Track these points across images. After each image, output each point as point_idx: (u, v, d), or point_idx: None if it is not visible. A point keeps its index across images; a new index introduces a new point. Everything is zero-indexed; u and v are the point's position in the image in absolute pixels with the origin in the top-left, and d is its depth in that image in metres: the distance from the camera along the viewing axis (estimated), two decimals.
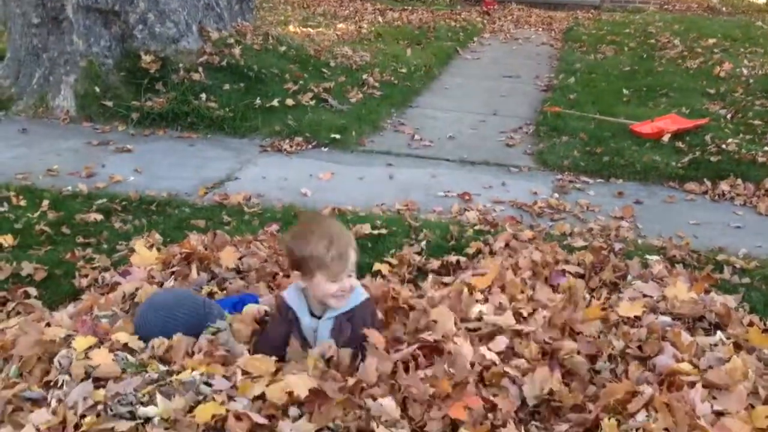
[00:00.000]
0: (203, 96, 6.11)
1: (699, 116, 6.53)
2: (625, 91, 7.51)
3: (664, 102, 7.16)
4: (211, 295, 2.81)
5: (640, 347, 2.41)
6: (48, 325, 2.39)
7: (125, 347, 2.16)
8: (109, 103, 6.00)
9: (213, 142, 5.77)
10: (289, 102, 6.44)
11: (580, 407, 2.13)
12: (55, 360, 2.06)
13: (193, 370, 1.96)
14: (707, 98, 7.30)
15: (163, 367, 2.02)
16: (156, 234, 3.63)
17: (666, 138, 5.85)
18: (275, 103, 6.33)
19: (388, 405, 1.83)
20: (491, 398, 1.96)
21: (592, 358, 2.38)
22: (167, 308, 2.38)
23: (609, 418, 1.93)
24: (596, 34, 10.53)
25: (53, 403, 1.90)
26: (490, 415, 1.89)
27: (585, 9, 12.95)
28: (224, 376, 1.96)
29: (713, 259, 3.77)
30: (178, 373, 1.96)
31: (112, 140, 5.59)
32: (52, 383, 1.99)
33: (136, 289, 2.74)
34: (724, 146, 5.62)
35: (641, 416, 1.92)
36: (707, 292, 2.99)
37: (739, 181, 5.11)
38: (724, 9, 13.40)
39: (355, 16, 11.46)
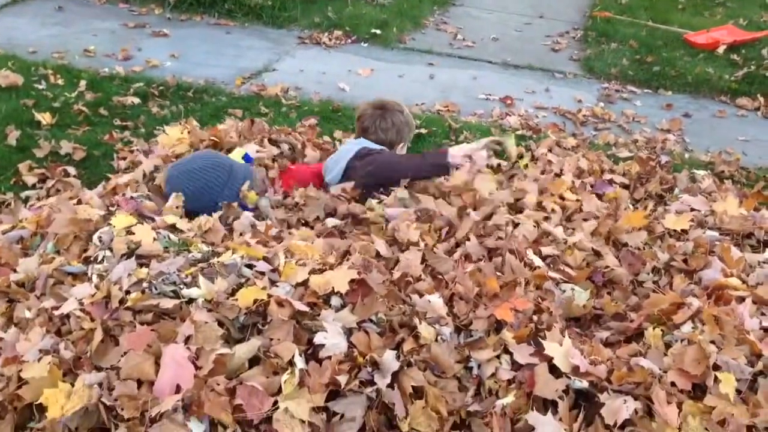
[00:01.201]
0: None
1: (757, 29, 6.22)
2: None
3: (720, 12, 6.83)
4: None
5: (685, 261, 2.35)
6: (80, 202, 2.38)
7: (169, 227, 2.14)
8: None
9: (250, 31, 5.63)
10: None
11: (621, 316, 2.10)
12: (95, 236, 2.05)
13: (234, 251, 1.94)
14: (766, 10, 6.92)
15: (206, 248, 2.01)
16: (193, 120, 3.58)
17: (721, 50, 5.60)
18: None
19: (436, 302, 1.80)
20: (539, 301, 1.93)
21: (636, 269, 2.33)
22: (195, 170, 2.51)
23: (653, 328, 1.89)
24: None
25: (95, 278, 1.91)
26: (534, 317, 1.86)
27: None
28: (266, 259, 1.94)
29: (763, 177, 3.66)
30: (220, 254, 1.95)
31: (149, 23, 5.47)
32: (92, 258, 1.99)
33: (155, 167, 2.72)
34: None
35: (687, 327, 1.88)
36: (757, 209, 2.89)
37: None
38: None
39: None
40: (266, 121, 3.78)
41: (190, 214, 2.32)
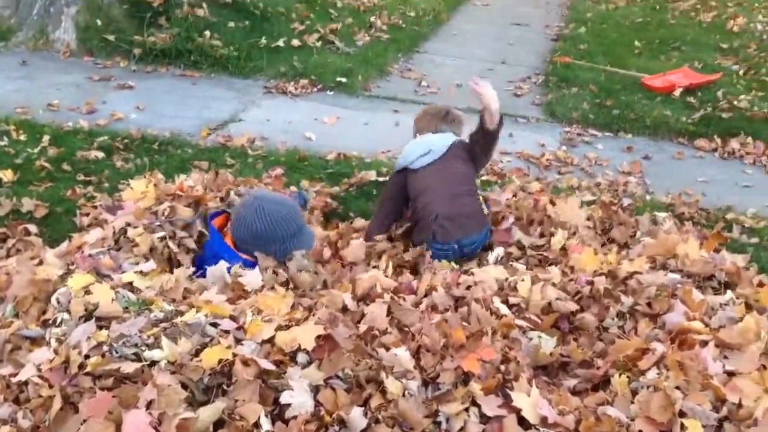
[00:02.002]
0: (207, 33, 5.96)
1: (711, 71, 6.41)
2: (636, 43, 7.35)
3: (676, 55, 7.03)
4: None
5: (649, 304, 2.38)
6: (41, 263, 2.35)
7: (127, 285, 2.12)
8: (111, 37, 5.85)
9: (216, 81, 5.66)
10: (295, 42, 6.29)
11: (588, 363, 2.12)
12: (53, 297, 2.02)
13: (198, 310, 1.92)
14: (720, 53, 7.17)
15: (168, 307, 1.99)
16: (158, 173, 3.56)
17: (677, 93, 5.75)
18: (281, 43, 6.18)
19: (402, 355, 1.80)
20: (506, 350, 1.94)
21: (601, 315, 2.36)
22: (278, 216, 2.52)
23: (619, 375, 1.91)
24: None
25: (53, 343, 1.87)
26: (502, 367, 1.86)
27: None
28: (232, 317, 1.93)
29: (722, 218, 3.74)
30: (183, 313, 1.93)
31: (114, 76, 5.47)
32: (50, 321, 1.96)
33: (126, 224, 2.70)
34: (735, 103, 5.55)
35: (652, 374, 1.90)
36: (717, 250, 2.95)
37: (750, 139, 5.05)
38: None
39: None
40: (232, 172, 3.78)
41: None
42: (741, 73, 6.46)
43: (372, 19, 7.29)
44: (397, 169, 3.18)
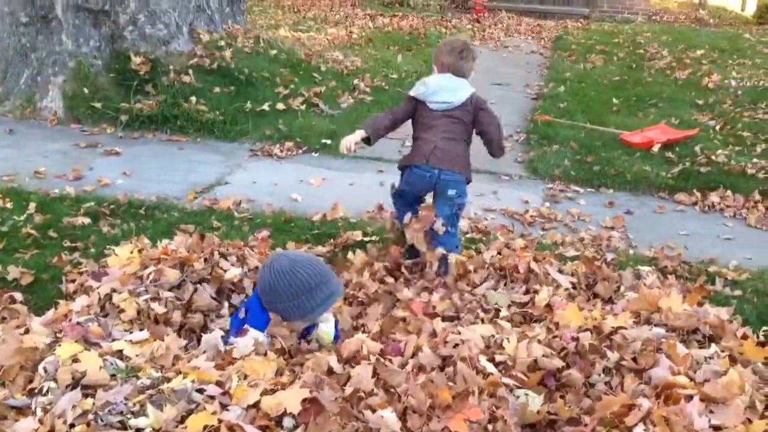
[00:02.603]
0: (193, 99, 6.07)
1: (688, 127, 6.57)
2: (614, 101, 7.53)
3: (653, 112, 7.19)
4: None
5: (635, 359, 2.39)
6: (27, 331, 2.34)
7: (116, 353, 2.11)
8: (98, 105, 5.94)
9: (203, 145, 5.73)
10: (280, 106, 6.41)
11: (575, 420, 2.11)
12: (41, 366, 2.02)
13: (185, 376, 1.92)
14: (696, 109, 7.34)
15: (155, 373, 1.98)
16: (144, 238, 3.57)
17: (656, 148, 5.88)
18: (266, 107, 6.29)
19: (389, 417, 1.80)
20: (493, 409, 1.94)
21: (587, 371, 2.36)
22: (302, 281, 2.49)
23: (606, 431, 1.91)
24: (585, 44, 10.56)
25: (38, 412, 1.86)
26: (489, 426, 1.86)
27: (574, 18, 13.00)
28: (218, 382, 1.93)
29: (705, 271, 3.78)
30: (170, 380, 1.92)
31: (101, 142, 5.53)
32: (36, 390, 1.95)
33: (112, 291, 2.70)
34: (713, 157, 5.66)
35: (639, 429, 1.90)
36: (700, 304, 2.97)
37: (729, 192, 5.14)
38: (711, 21, 13.51)
39: (345, 21, 11.44)
40: (218, 235, 3.80)
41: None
42: (717, 128, 6.62)
43: (355, 81, 7.45)
44: (413, 96, 3.62)
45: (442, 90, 3.55)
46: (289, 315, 2.50)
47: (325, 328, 2.63)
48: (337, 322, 2.73)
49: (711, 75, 8.48)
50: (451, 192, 3.52)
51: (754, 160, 5.69)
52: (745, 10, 15.07)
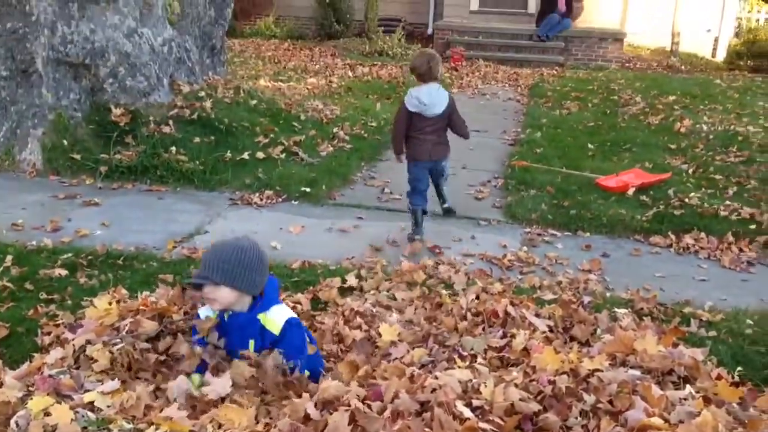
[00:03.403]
0: (173, 149, 6.11)
1: (662, 171, 6.69)
2: (590, 146, 7.67)
3: (627, 157, 7.33)
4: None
5: (611, 402, 2.41)
6: (0, 385, 2.32)
7: (88, 405, 2.10)
8: (77, 157, 5.96)
9: (182, 195, 5.75)
10: (260, 155, 6.46)
11: None
12: (12, 421, 2.00)
13: (157, 427, 1.91)
14: (669, 153, 7.49)
15: (127, 425, 1.97)
16: (122, 289, 3.57)
17: (631, 192, 5.98)
18: (246, 156, 6.35)
19: None
20: None
21: (564, 414, 2.37)
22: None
23: None
24: (561, 91, 10.78)
25: None
26: None
27: (550, 66, 13.28)
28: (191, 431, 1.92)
29: (680, 312, 3.82)
30: (142, 431, 1.91)
31: (79, 194, 5.53)
32: None
33: (87, 342, 2.68)
34: (686, 200, 5.77)
35: None
36: (675, 345, 3.01)
37: (703, 234, 5.22)
38: (682, 67, 13.84)
39: (325, 70, 11.61)
40: None
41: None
42: (690, 171, 6.75)
43: (335, 130, 7.54)
44: (412, 111, 4.98)
45: (433, 105, 4.96)
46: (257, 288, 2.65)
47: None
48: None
49: (683, 120, 8.67)
50: (444, 170, 5.37)
51: (727, 202, 5.80)
52: (716, 56, 15.48)
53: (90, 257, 4.27)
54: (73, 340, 2.73)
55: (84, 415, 1.99)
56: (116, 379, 2.37)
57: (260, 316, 2.65)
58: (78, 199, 5.44)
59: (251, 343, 2.64)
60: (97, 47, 6.15)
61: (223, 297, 2.60)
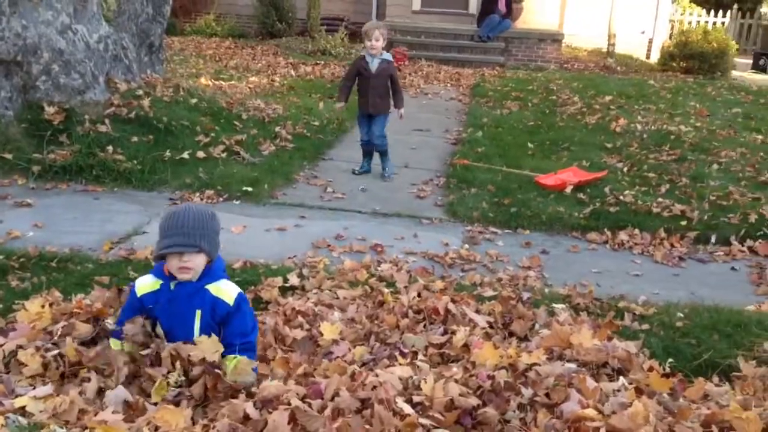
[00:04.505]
0: (110, 148, 5.96)
1: (598, 169, 6.86)
2: (529, 145, 7.81)
3: (566, 155, 7.49)
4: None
5: (548, 395, 2.46)
6: None
7: (19, 410, 2.04)
8: (9, 156, 5.75)
9: (120, 195, 5.62)
10: (200, 154, 6.36)
11: None
12: None
13: (92, 431, 1.87)
14: (605, 152, 7.67)
15: (60, 430, 1.93)
16: (56, 292, 3.47)
17: (568, 190, 6.11)
18: (185, 155, 6.24)
19: None
20: None
21: (503, 408, 2.41)
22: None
23: None
24: (502, 91, 10.95)
25: None
26: None
27: (491, 66, 13.46)
28: None
29: (615, 306, 3.92)
30: None
31: (11, 194, 5.35)
32: None
33: (17, 347, 2.61)
34: (621, 197, 5.93)
35: None
36: (609, 338, 3.10)
37: (637, 230, 5.38)
38: (618, 68, 14.20)
39: (267, 69, 11.52)
40: None
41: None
42: (625, 170, 6.93)
43: (277, 129, 7.48)
44: (355, 64, 6.51)
45: (372, 60, 6.43)
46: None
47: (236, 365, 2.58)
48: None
49: (618, 120, 8.91)
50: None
51: (659, 199, 5.98)
52: (650, 57, 15.94)
53: (22, 259, 4.13)
54: (3, 344, 2.65)
55: (15, 421, 1.93)
56: (48, 383, 2.31)
57: (209, 287, 2.64)
58: (9, 199, 5.26)
59: (198, 313, 2.62)
60: (29, 44, 5.96)
61: (198, 265, 2.61)
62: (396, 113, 6.63)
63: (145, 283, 2.70)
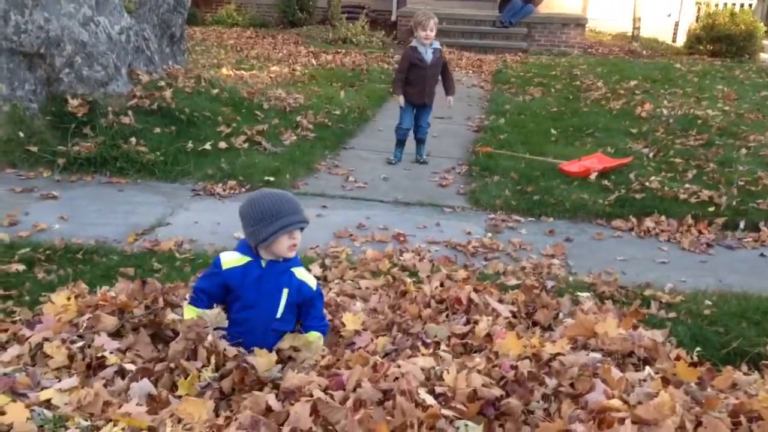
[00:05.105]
0: (133, 140, 6.00)
1: (623, 155, 6.77)
2: (552, 132, 7.73)
3: (590, 141, 7.40)
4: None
5: (572, 385, 2.43)
6: None
7: (44, 402, 2.06)
8: (34, 149, 5.82)
9: (143, 187, 5.66)
10: (222, 145, 6.38)
11: None
12: None
13: (115, 423, 1.88)
14: (630, 138, 7.57)
15: (84, 422, 1.94)
16: (82, 284, 3.50)
17: (593, 176, 6.04)
18: (207, 146, 6.27)
19: None
20: None
21: (526, 399, 2.39)
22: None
23: None
24: (524, 77, 10.84)
25: None
26: None
27: (513, 52, 13.33)
28: (150, 428, 1.89)
29: (641, 295, 3.88)
30: (100, 428, 1.88)
31: (37, 187, 5.41)
32: None
33: (44, 339, 2.63)
34: (647, 184, 5.85)
35: None
36: (635, 327, 3.05)
37: (663, 217, 5.30)
38: (644, 52, 14.00)
39: (288, 59, 11.51)
40: (159, 277, 3.75)
41: None
42: (651, 155, 6.84)
43: (298, 118, 7.48)
44: (407, 55, 6.40)
45: (426, 50, 6.41)
46: (253, 239, 2.71)
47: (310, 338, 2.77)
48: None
49: (644, 104, 8.78)
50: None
51: (686, 185, 5.89)
52: (676, 41, 15.68)
53: (48, 252, 4.18)
54: (29, 337, 2.68)
55: (40, 414, 1.95)
56: (74, 375, 2.33)
57: (294, 270, 2.80)
58: (35, 192, 5.32)
59: (285, 291, 2.76)
60: (52, 36, 6.00)
61: (300, 243, 2.76)
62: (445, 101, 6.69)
63: (232, 258, 2.79)
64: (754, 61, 13.72)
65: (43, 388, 2.22)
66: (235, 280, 2.74)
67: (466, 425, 2.17)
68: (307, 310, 2.85)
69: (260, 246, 2.72)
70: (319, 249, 4.54)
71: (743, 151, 6.98)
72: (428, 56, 6.35)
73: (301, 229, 2.77)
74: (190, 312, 2.75)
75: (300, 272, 2.81)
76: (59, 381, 2.28)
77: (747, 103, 9.31)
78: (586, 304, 3.37)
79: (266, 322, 2.75)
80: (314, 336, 2.81)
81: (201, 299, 2.76)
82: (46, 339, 2.65)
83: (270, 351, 2.64)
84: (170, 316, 2.97)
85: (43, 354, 2.49)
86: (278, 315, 2.76)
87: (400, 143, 6.75)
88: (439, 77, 6.52)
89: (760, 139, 7.42)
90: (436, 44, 6.45)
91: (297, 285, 2.78)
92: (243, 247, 2.81)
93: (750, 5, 17.29)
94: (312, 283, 2.84)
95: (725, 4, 17.04)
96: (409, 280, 3.81)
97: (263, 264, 2.74)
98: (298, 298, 2.78)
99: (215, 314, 2.70)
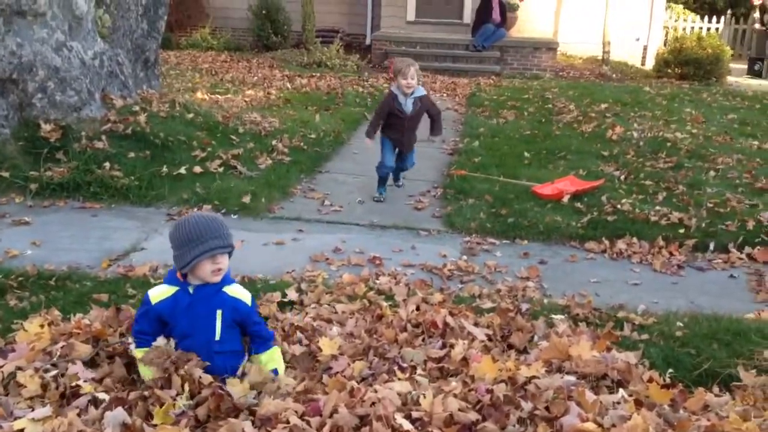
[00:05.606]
0: (107, 165, 5.97)
1: (595, 178, 6.86)
2: (526, 154, 7.81)
3: (562, 164, 7.49)
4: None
5: (547, 408, 2.46)
6: None
7: None
8: (6, 174, 5.75)
9: (117, 212, 5.62)
10: (197, 169, 6.37)
11: None
12: None
13: None
14: (602, 160, 7.68)
15: None
16: (55, 310, 3.46)
17: (566, 199, 6.11)
18: (182, 170, 6.24)
19: None
20: None
21: (503, 423, 2.41)
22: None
23: None
24: (498, 100, 10.96)
25: None
26: None
27: (486, 75, 13.50)
28: None
29: (614, 317, 3.92)
30: None
31: (8, 212, 5.35)
32: None
33: (17, 368, 2.60)
34: (619, 206, 5.93)
35: None
36: (609, 349, 3.10)
37: (635, 239, 5.38)
38: (614, 76, 14.24)
39: (263, 82, 11.53)
40: (133, 302, 3.72)
41: None
42: (622, 178, 6.94)
43: (273, 142, 7.48)
44: (386, 103, 6.13)
45: (407, 99, 6.14)
46: (178, 264, 2.69)
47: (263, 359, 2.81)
48: None
49: (614, 127, 8.92)
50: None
51: (657, 207, 5.98)
52: (645, 64, 15.98)
53: (20, 278, 4.12)
54: (2, 366, 2.65)
55: None
56: (47, 405, 2.31)
57: (226, 289, 2.77)
58: (7, 218, 5.26)
59: (219, 313, 2.73)
60: (24, 62, 5.97)
61: (226, 266, 2.77)
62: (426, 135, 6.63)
63: (160, 291, 2.77)
64: (721, 84, 14.03)
65: (16, 418, 2.20)
66: (166, 312, 2.72)
67: None
68: (249, 325, 2.84)
69: (184, 270, 2.71)
70: (295, 273, 4.53)
71: (711, 173, 7.12)
72: (408, 107, 6.06)
73: (229, 254, 2.76)
74: (141, 354, 2.73)
75: (232, 289, 2.79)
76: (32, 410, 2.26)
77: (714, 126, 9.51)
78: (561, 326, 3.41)
79: (206, 347, 2.73)
80: (266, 358, 2.83)
81: (144, 340, 2.75)
82: (19, 368, 2.63)
83: (220, 374, 2.66)
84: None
85: (16, 383, 2.46)
86: (217, 338, 2.74)
87: (383, 180, 6.42)
88: (423, 120, 6.36)
89: (727, 162, 7.58)
90: (420, 91, 6.12)
91: (231, 303, 2.76)
92: (170, 277, 2.80)
93: (717, 29, 17.72)
94: (246, 298, 2.82)
95: (692, 29, 17.45)
96: (385, 303, 3.83)
97: (191, 290, 2.73)
98: (235, 316, 2.77)
99: (164, 345, 2.69)
